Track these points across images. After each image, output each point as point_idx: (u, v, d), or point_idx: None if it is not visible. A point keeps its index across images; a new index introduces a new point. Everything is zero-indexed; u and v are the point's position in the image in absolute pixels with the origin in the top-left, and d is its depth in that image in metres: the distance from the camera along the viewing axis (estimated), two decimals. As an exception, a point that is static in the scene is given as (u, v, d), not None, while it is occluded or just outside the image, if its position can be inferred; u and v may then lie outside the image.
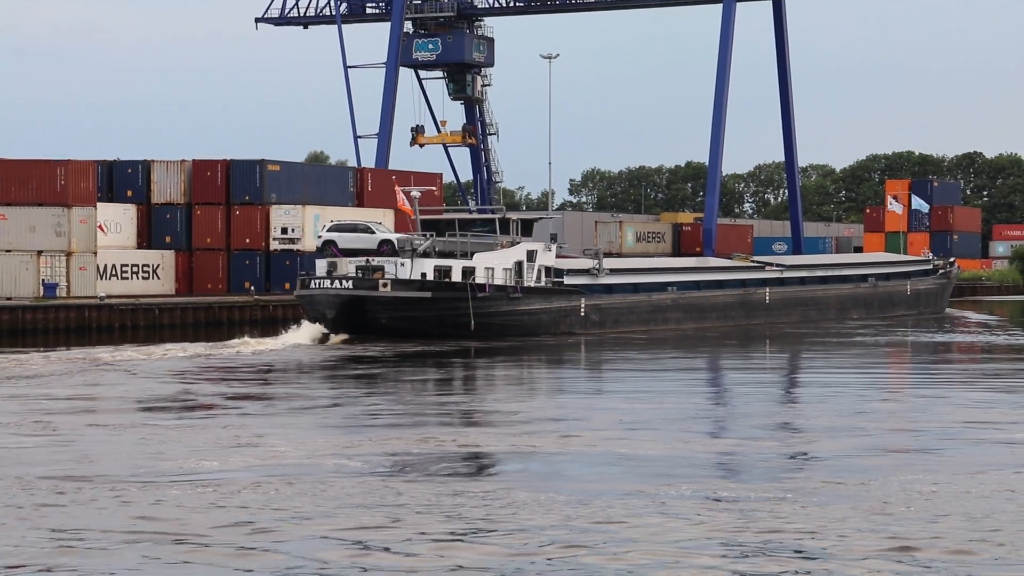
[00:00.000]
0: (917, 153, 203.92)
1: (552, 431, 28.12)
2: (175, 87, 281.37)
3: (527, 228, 61.81)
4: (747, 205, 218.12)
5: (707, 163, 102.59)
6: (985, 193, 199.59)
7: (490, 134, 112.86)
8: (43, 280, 62.53)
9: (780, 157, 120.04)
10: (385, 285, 54.90)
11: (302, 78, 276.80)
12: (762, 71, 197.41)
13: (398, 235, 60.34)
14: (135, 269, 68.72)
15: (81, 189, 64.67)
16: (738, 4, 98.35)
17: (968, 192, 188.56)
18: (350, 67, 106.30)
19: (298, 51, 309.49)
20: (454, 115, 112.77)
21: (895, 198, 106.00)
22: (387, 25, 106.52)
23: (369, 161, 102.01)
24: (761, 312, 72.76)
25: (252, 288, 69.92)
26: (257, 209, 71.98)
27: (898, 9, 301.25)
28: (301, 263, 71.45)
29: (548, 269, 61.21)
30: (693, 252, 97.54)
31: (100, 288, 64.04)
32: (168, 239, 72.00)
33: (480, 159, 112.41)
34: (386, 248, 58.53)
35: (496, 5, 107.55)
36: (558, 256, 63.21)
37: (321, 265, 57.27)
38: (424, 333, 54.81)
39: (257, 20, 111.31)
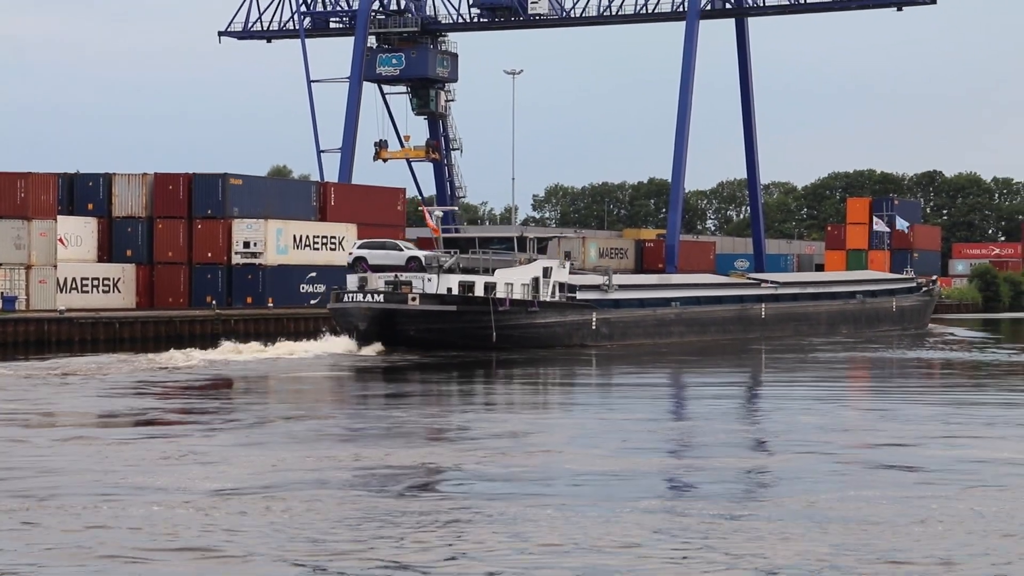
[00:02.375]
0: (878, 171, 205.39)
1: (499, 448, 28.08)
2: (137, 100, 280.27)
3: (542, 246, 65.68)
4: (709, 222, 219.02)
5: (670, 180, 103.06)
6: (945, 212, 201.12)
7: (453, 149, 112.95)
8: (2, 293, 62.04)
9: (742, 174, 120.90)
10: (414, 299, 58.40)
11: (265, 92, 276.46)
12: (725, 89, 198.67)
13: (424, 252, 63.51)
14: (96, 282, 68.31)
15: (41, 202, 64.27)
16: (701, 23, 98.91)
17: (928, 211, 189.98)
18: (313, 81, 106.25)
19: (261, 65, 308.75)
20: (417, 130, 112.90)
21: (879, 218, 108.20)
22: (351, 40, 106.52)
23: (332, 175, 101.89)
24: (757, 327, 76.26)
25: (214, 302, 69.61)
26: (219, 223, 71.72)
27: (860, 30, 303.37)
28: (263, 278, 71.29)
29: (562, 285, 64.72)
30: (655, 268, 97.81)
31: (60, 301, 63.61)
32: (129, 253, 71.61)
33: (443, 174, 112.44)
34: (413, 264, 61.74)
35: (460, 21, 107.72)
36: (571, 272, 67.02)
37: (352, 280, 60.70)
38: (449, 344, 58.00)
39: (220, 34, 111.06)
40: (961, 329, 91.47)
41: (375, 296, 58.48)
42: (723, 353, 64.39)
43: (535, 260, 63.67)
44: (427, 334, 58.19)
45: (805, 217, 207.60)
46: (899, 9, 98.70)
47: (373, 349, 57.37)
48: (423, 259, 61.68)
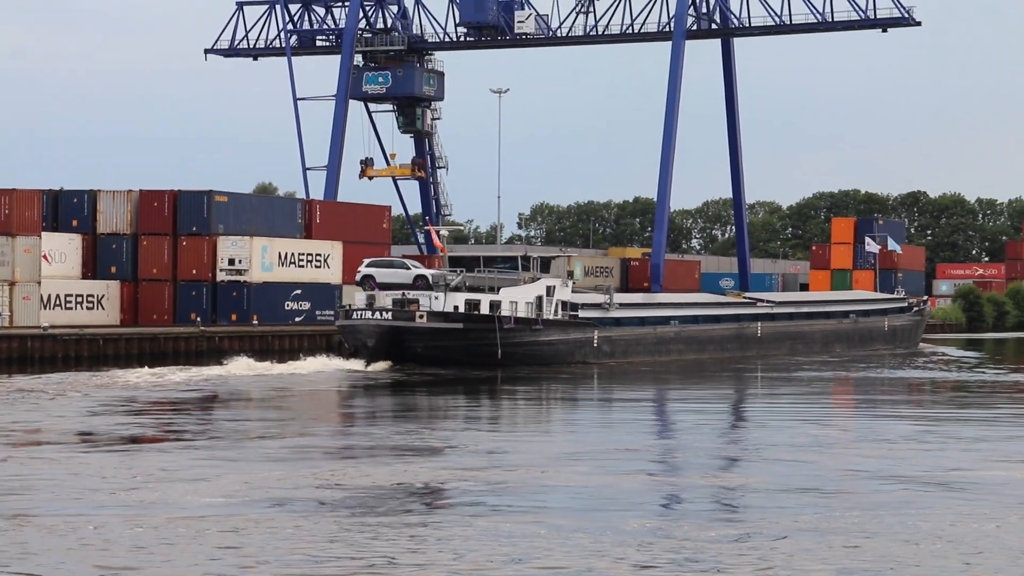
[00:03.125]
0: (863, 192, 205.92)
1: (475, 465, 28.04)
2: (123, 117, 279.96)
3: (545, 265, 66.65)
4: (695, 241, 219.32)
5: (655, 199, 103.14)
6: (929, 232, 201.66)
7: (439, 167, 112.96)
8: (-14, 309, 61.79)
9: (728, 193, 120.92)
10: (421, 316, 60.00)
11: (251, 110, 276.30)
12: (711, 109, 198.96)
13: (431, 271, 65.12)
14: (80, 299, 68.08)
15: (26, 218, 64.06)
16: (687, 43, 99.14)
17: (912, 231, 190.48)
18: (300, 99, 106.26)
19: (247, 83, 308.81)
20: (403, 148, 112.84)
21: (873, 238, 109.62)
22: (337, 58, 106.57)
23: (318, 193, 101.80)
24: (754, 345, 77.90)
25: (198, 319, 69.43)
26: (204, 240, 71.56)
27: (845, 51, 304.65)
28: (248, 295, 71.11)
29: (565, 303, 66.06)
30: (641, 287, 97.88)
31: (44, 318, 63.38)
32: (113, 269, 71.37)
33: (429, 192, 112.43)
34: (420, 282, 63.46)
35: (446, 40, 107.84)
36: (573, 291, 68.39)
37: (360, 297, 62.50)
38: (455, 361, 59.47)
39: (206, 51, 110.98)
40: (953, 348, 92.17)
41: (383, 313, 59.93)
42: (721, 372, 65.01)
43: (539, 279, 64.96)
44: (434, 351, 59.50)
45: (790, 237, 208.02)
46: (884, 30, 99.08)
47: (381, 366, 58.87)
48: (430, 278, 63.36)
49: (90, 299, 68.69)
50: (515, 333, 61.90)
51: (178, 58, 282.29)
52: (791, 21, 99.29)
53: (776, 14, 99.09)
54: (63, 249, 69.31)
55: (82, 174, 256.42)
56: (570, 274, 69.97)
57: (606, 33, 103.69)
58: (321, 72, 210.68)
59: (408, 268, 65.54)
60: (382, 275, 64.61)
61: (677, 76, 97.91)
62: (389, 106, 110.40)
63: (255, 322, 70.51)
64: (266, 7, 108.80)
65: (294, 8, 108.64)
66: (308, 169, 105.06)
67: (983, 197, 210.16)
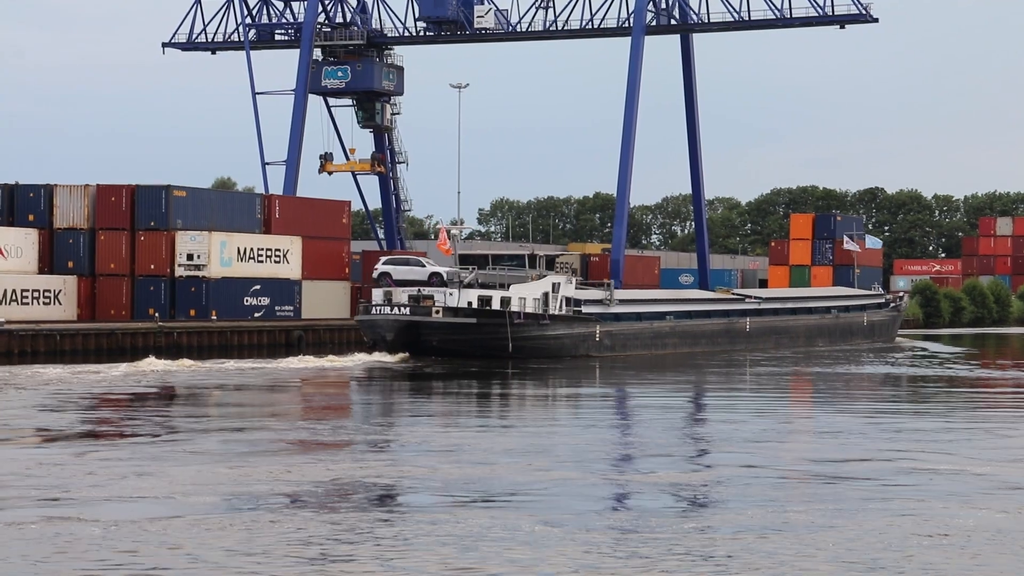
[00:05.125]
0: (821, 188, 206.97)
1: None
2: (79, 111, 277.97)
3: (551, 263, 70.95)
4: (654, 237, 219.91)
5: (615, 194, 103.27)
6: (887, 228, 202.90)
7: (399, 162, 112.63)
8: (-60, 304, 61.24)
9: (687, 189, 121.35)
10: (437, 312, 63.89)
11: (209, 104, 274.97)
12: (670, 104, 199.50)
13: (446, 268, 68.85)
14: (36, 294, 67.56)
15: (-19, 212, 63.50)
16: (647, 38, 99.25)
17: (870, 227, 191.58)
18: (258, 93, 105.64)
19: (206, 77, 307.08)
20: (363, 143, 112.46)
21: (850, 237, 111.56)
22: (296, 52, 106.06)
23: (277, 188, 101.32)
24: (742, 339, 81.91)
25: (156, 315, 69.04)
26: (162, 235, 71.14)
27: (803, 47, 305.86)
28: (207, 290, 70.76)
29: (569, 299, 69.75)
30: (601, 284, 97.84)
31: (0, 313, 62.87)
32: (71, 264, 70.85)
33: (389, 187, 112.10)
34: (435, 279, 67.31)
35: (406, 34, 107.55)
36: (576, 287, 71.83)
37: (378, 294, 66.53)
38: (468, 354, 63.42)
39: (164, 45, 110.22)
40: (934, 344, 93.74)
41: (401, 309, 63.88)
42: (715, 364, 66.89)
43: (545, 276, 68.68)
44: (449, 344, 63.46)
45: (749, 233, 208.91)
46: (841, 27, 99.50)
47: (396, 358, 62.79)
48: (444, 275, 67.24)
49: (47, 294, 68.18)
50: (524, 327, 65.47)
51: (135, 52, 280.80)
52: (750, 17, 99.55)
53: (735, 10, 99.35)
54: (19, 244, 68.78)
55: (38, 168, 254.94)
56: (574, 272, 74.65)
57: (565, 28, 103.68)
58: (280, 66, 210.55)
59: (423, 266, 69.26)
60: (398, 272, 68.38)
61: (636, 72, 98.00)
62: (348, 101, 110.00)
63: (214, 317, 70.21)
64: (224, 1, 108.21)
65: (252, 2, 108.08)
66: (267, 164, 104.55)
67: (940, 193, 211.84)
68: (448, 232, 70.76)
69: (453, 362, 62.13)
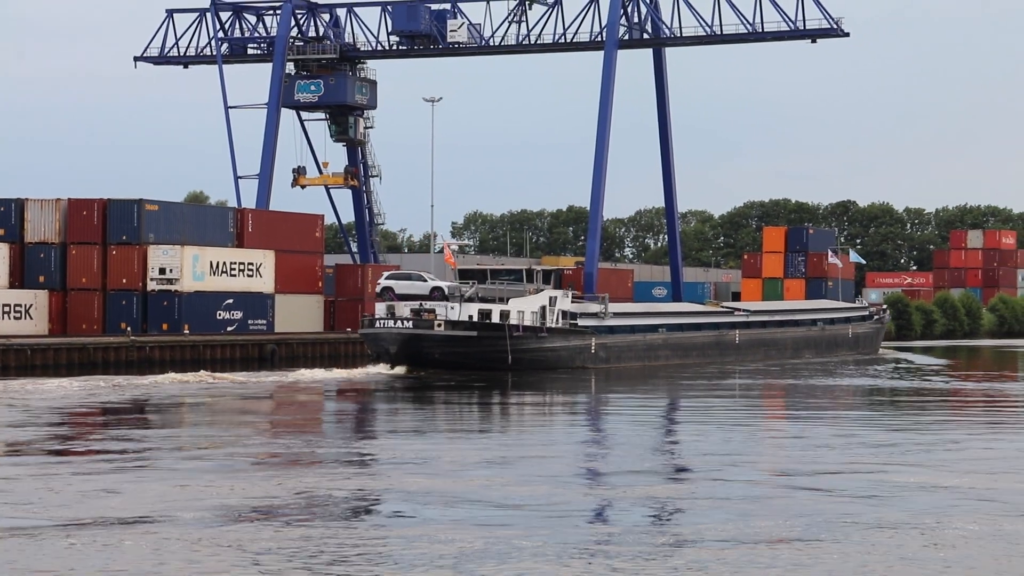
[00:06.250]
0: (793, 201, 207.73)
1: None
2: (51, 125, 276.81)
3: (547, 277, 72.03)
4: (628, 250, 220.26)
5: (588, 208, 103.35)
6: (859, 241, 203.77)
7: (372, 176, 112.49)
8: (-90, 319, 60.78)
9: (660, 203, 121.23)
10: (439, 325, 65.45)
11: (182, 118, 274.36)
12: (643, 118, 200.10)
13: (447, 283, 71.15)
14: (7, 309, 67.20)
15: (-48, 227, 63.11)
16: (619, 52, 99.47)
17: (842, 240, 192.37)
18: (231, 107, 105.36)
19: (178, 90, 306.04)
20: (336, 157, 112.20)
21: (834, 251, 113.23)
22: (269, 66, 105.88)
23: (250, 202, 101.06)
24: (732, 351, 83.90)
25: (128, 329, 68.75)
26: (134, 249, 70.87)
27: (775, 61, 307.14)
28: (179, 304, 70.50)
29: (565, 312, 71.58)
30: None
31: (-30, 328, 62.48)
32: (42, 279, 70.50)
33: (362, 201, 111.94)
34: (436, 294, 69.34)
35: (379, 48, 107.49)
36: (572, 301, 73.50)
37: (380, 308, 67.98)
38: (469, 366, 64.85)
39: (136, 59, 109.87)
40: (918, 356, 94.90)
41: (404, 322, 65.49)
42: (706, 377, 67.53)
43: (542, 290, 70.39)
44: (451, 356, 64.97)
45: (722, 245, 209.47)
46: (813, 41, 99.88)
47: (400, 370, 64.38)
48: (446, 289, 69.35)
49: (17, 309, 67.82)
50: (523, 340, 67.37)
51: (108, 65, 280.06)
52: (722, 31, 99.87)
53: (707, 24, 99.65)
54: (-10, 258, 68.38)
55: (9, 182, 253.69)
56: (571, 286, 77.30)
57: (538, 43, 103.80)
58: (253, 80, 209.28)
59: (425, 280, 71.85)
60: (401, 287, 70.75)
61: (609, 85, 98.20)
62: (321, 114, 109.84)
63: (186, 332, 69.97)
64: (196, 15, 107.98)
65: (225, 16, 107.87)
66: (240, 178, 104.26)
67: (911, 207, 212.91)
68: (450, 246, 74.26)
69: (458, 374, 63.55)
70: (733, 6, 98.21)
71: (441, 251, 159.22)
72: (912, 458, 31.77)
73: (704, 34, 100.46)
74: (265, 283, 75.70)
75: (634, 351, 76.52)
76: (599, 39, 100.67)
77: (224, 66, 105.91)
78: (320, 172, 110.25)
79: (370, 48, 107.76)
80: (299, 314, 77.58)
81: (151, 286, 70.80)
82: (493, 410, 49.42)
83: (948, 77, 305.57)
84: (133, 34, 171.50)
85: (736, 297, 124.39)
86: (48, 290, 69.98)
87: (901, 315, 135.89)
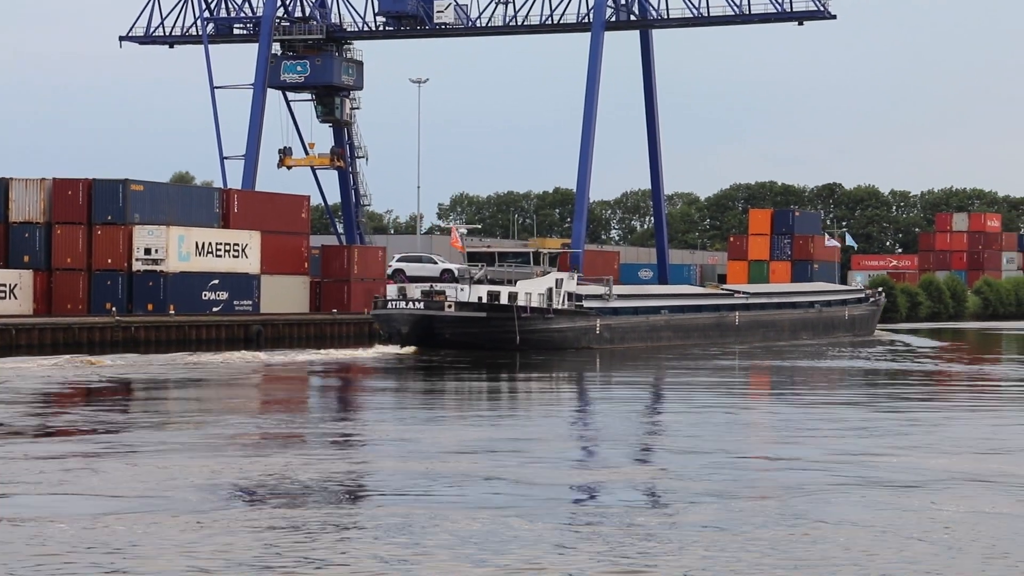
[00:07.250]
0: (779, 183, 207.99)
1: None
2: (36, 105, 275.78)
3: (553, 260, 73.72)
4: (614, 232, 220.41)
5: (575, 189, 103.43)
6: (844, 224, 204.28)
7: (358, 157, 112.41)
8: None
9: (646, 185, 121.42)
10: (450, 306, 67.04)
11: (168, 98, 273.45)
12: (630, 100, 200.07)
13: (457, 265, 73.08)
14: (-9, 289, 66.97)
15: (-64, 206, 62.84)
16: (606, 34, 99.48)
17: (828, 222, 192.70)
18: (217, 88, 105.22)
19: (164, 70, 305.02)
20: (322, 138, 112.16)
21: (830, 235, 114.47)
22: (255, 46, 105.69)
23: (235, 182, 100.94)
24: (732, 333, 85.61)
25: (114, 309, 68.59)
26: (120, 229, 70.65)
27: (762, 43, 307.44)
28: (165, 285, 70.40)
29: (571, 294, 73.45)
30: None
31: (-46, 308, 62.31)
32: (26, 258, 70.24)
33: (348, 182, 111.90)
34: (447, 276, 71.66)
35: (365, 29, 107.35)
36: (578, 283, 75.28)
37: (392, 289, 70.11)
38: (478, 346, 66.37)
39: (121, 38, 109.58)
40: (914, 337, 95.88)
41: (415, 304, 67.05)
42: (709, 357, 68.94)
43: (549, 272, 72.09)
44: (461, 337, 66.51)
45: (708, 228, 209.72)
46: (800, 23, 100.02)
47: (409, 349, 65.68)
48: (456, 271, 71.23)
49: (1, 288, 67.63)
50: (531, 321, 68.94)
51: (92, 45, 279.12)
52: (708, 13, 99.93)
53: (694, 6, 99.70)
54: (-26, 238, 68.11)
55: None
56: (576, 268, 78.83)
57: (525, 24, 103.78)
58: (239, 60, 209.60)
59: (436, 263, 74.23)
60: (412, 269, 73.60)
61: (596, 67, 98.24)
62: (308, 95, 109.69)
63: (172, 312, 69.85)
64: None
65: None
66: (226, 158, 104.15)
67: (897, 189, 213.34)
68: (458, 231, 75.76)
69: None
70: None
71: (428, 232, 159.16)
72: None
73: (691, 16, 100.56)
74: (251, 264, 75.55)
75: (637, 332, 78.24)
76: (586, 21, 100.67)
77: (210, 46, 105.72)
78: (306, 153, 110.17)
79: (356, 29, 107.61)
80: (285, 295, 77.46)
81: (136, 266, 70.60)
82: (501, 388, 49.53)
83: (934, 60, 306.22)
84: (118, 14, 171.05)
85: (722, 279, 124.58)
86: (33, 270, 69.73)
87: (886, 297, 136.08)
